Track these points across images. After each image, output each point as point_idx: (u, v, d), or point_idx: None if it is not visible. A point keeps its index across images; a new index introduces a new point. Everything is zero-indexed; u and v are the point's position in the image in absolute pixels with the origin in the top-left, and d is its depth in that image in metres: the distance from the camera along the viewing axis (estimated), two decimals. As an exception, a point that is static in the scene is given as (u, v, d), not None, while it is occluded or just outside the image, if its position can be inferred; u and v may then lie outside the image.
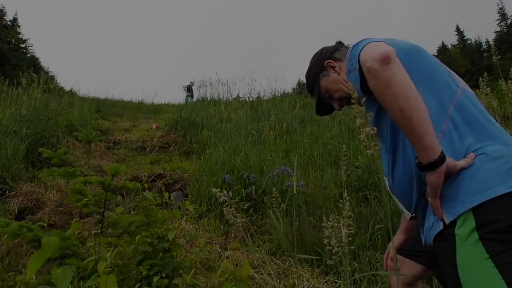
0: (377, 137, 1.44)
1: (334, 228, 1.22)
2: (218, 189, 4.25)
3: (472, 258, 1.11)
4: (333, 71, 1.68)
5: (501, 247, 1.08)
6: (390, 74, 1.14)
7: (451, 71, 1.41)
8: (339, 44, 1.77)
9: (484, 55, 50.73)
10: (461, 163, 1.17)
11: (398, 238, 1.74)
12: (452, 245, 1.15)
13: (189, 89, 16.94)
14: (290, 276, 2.96)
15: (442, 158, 1.14)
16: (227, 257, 3.24)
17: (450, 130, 1.23)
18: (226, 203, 1.57)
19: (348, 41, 1.75)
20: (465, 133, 1.23)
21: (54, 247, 1.50)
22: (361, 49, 1.27)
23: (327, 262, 1.19)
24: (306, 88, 1.86)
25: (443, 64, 1.41)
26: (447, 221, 1.17)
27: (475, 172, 1.15)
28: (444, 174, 1.16)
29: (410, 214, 1.40)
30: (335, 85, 1.67)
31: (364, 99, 1.30)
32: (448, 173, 1.17)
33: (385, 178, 1.52)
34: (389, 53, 1.15)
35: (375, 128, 1.19)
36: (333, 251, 1.17)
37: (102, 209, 2.13)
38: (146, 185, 2.78)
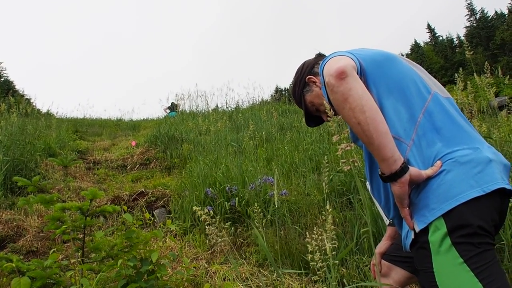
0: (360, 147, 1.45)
1: (318, 241, 1.23)
2: (201, 203, 4.27)
3: (448, 264, 1.12)
4: (315, 86, 1.72)
5: (474, 250, 1.10)
6: (346, 88, 1.16)
7: (426, 74, 1.42)
8: (319, 56, 1.81)
9: (456, 50, 51.82)
10: (428, 172, 1.19)
11: (382, 245, 1.74)
12: (428, 253, 1.17)
13: (172, 109, 16.71)
14: (278, 287, 2.96)
15: (403, 169, 1.16)
16: (214, 272, 3.21)
17: (419, 138, 1.24)
18: (207, 222, 1.56)
19: (323, 49, 1.79)
20: (433, 139, 1.24)
21: None
22: (325, 64, 1.29)
23: (312, 278, 1.19)
24: (295, 102, 1.90)
25: (419, 68, 1.42)
26: (417, 230, 1.19)
27: (443, 179, 1.17)
28: (409, 184, 1.18)
29: (388, 220, 1.42)
30: (319, 99, 1.72)
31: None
32: (413, 182, 1.19)
33: (367, 184, 1.54)
34: (344, 68, 1.17)
35: (352, 144, 1.21)
36: (318, 267, 1.17)
37: (82, 235, 2.10)
38: (125, 208, 2.75)
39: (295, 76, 1.83)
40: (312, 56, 1.87)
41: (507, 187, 1.15)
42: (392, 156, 1.16)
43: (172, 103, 16.28)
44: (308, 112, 1.82)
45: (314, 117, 1.87)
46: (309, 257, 1.17)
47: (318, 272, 1.15)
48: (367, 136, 1.16)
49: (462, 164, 1.17)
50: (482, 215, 1.12)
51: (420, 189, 1.21)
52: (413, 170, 1.18)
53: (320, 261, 1.14)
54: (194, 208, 1.66)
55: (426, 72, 1.46)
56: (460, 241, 1.11)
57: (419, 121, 1.26)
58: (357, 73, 1.24)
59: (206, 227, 1.65)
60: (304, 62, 1.82)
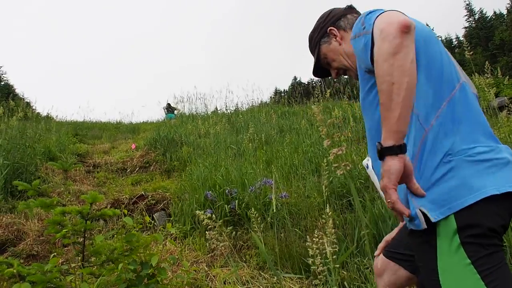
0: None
1: (319, 244, 1.23)
2: (201, 206, 4.27)
3: (454, 264, 1.10)
4: (335, 40, 1.65)
5: (483, 252, 1.07)
6: (403, 44, 1.10)
7: (456, 63, 1.37)
8: (349, 9, 1.69)
9: (456, 51, 51.77)
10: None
11: (393, 232, 1.67)
12: (433, 249, 1.14)
13: (168, 109, 16.69)
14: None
15: (402, 147, 1.11)
16: (214, 276, 3.21)
17: (438, 126, 1.20)
18: (209, 226, 1.56)
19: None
20: (452, 130, 1.19)
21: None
22: (378, 15, 1.21)
23: (313, 282, 1.20)
24: (308, 47, 1.82)
25: (450, 55, 1.36)
26: (433, 220, 1.13)
27: (457, 174, 1.14)
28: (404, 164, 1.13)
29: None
30: (335, 54, 1.66)
31: (366, 70, 1.30)
32: (406, 167, 1.13)
33: (367, 162, 1.50)
34: (411, 24, 1.11)
35: (343, 148, 1.21)
36: (318, 271, 1.17)
37: (82, 239, 2.10)
38: (125, 211, 2.75)
39: (317, 21, 1.73)
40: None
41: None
42: (404, 130, 1.12)
43: (169, 104, 16.26)
44: (318, 62, 1.74)
45: (323, 69, 1.79)
46: (310, 261, 1.17)
47: (319, 276, 1.15)
48: (394, 101, 1.09)
49: (478, 162, 1.14)
50: (493, 216, 1.10)
51: (433, 181, 1.16)
52: (407, 157, 1.14)
53: (321, 265, 1.14)
54: (197, 212, 1.66)
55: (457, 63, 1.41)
56: (469, 241, 1.08)
57: (442, 108, 1.21)
58: None
59: (206, 231, 1.65)
60: (332, 10, 1.72)
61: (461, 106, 1.23)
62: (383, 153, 1.13)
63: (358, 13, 1.67)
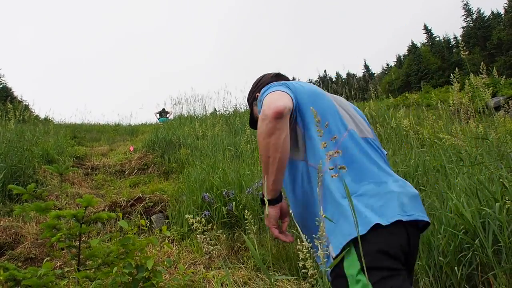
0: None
1: (309, 248, 1.23)
2: (199, 208, 4.27)
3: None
4: None
5: (379, 275, 1.20)
6: (276, 128, 1.35)
7: (350, 111, 1.61)
8: (275, 76, 1.98)
9: (453, 51, 51.81)
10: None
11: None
12: (345, 281, 1.24)
13: (161, 114, 16.67)
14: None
15: (278, 199, 1.47)
16: (212, 277, 3.22)
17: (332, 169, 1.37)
18: (199, 230, 1.60)
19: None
20: (343, 174, 1.37)
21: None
22: (267, 95, 1.47)
23: (303, 286, 1.21)
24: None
25: (343, 105, 1.62)
26: (333, 255, 1.29)
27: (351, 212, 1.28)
28: (280, 210, 1.49)
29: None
30: None
31: None
32: (282, 210, 1.50)
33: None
34: (283, 110, 1.35)
35: (340, 152, 1.29)
36: (309, 274, 1.18)
37: (78, 242, 2.10)
38: (120, 214, 2.75)
39: (253, 84, 2.03)
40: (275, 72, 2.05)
41: (404, 219, 1.26)
42: (278, 189, 1.46)
43: (163, 109, 16.32)
44: (252, 117, 2.02)
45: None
46: (301, 264, 1.18)
47: (309, 280, 1.16)
48: (269, 170, 1.39)
49: (369, 197, 1.32)
50: (386, 242, 1.24)
51: (337, 215, 1.33)
52: (284, 202, 1.52)
53: (311, 268, 1.15)
54: (187, 216, 1.68)
55: (351, 108, 1.65)
56: (368, 266, 1.16)
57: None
58: (293, 107, 1.44)
59: (198, 236, 1.67)
60: (263, 76, 2.03)
61: (351, 149, 1.43)
62: (265, 203, 1.41)
63: (285, 78, 1.98)
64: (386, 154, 1.61)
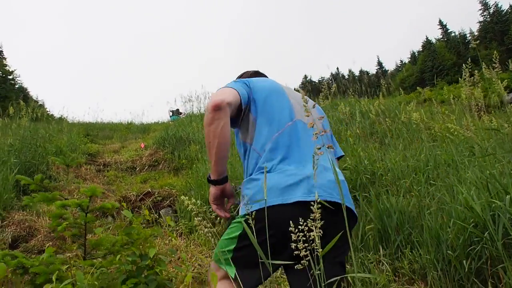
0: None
1: (305, 232, 1.22)
2: (206, 202, 4.28)
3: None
4: None
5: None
6: (214, 118, 1.56)
7: (300, 104, 1.78)
8: (254, 73, 2.22)
9: (469, 46, 51.08)
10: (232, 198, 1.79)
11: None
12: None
13: (174, 113, 17.04)
14: (282, 284, 2.95)
15: (223, 180, 1.67)
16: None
17: (268, 152, 1.63)
18: (194, 212, 1.73)
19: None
20: (275, 155, 1.62)
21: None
22: (217, 90, 1.71)
23: (295, 267, 1.20)
24: None
25: (298, 99, 1.83)
26: (240, 213, 1.65)
27: (262, 185, 1.51)
28: (223, 191, 1.70)
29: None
30: None
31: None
32: (225, 191, 1.71)
33: None
34: (220, 103, 1.55)
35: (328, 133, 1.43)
36: (301, 255, 1.17)
37: (84, 231, 2.12)
38: (124, 204, 2.77)
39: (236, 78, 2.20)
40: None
41: (301, 199, 1.46)
42: (220, 170, 1.65)
43: (177, 109, 16.68)
44: None
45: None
46: (293, 246, 1.18)
47: (302, 261, 1.15)
48: (210, 153, 1.61)
49: (285, 176, 1.54)
50: (280, 219, 1.44)
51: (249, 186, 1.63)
52: (228, 185, 1.71)
53: (304, 250, 1.14)
54: (182, 197, 1.85)
55: (305, 101, 1.72)
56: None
57: (272, 140, 1.65)
58: (240, 101, 1.67)
59: (195, 218, 1.79)
60: (244, 73, 2.26)
61: (287, 137, 1.66)
62: (209, 182, 1.72)
63: (263, 75, 2.22)
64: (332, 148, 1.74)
